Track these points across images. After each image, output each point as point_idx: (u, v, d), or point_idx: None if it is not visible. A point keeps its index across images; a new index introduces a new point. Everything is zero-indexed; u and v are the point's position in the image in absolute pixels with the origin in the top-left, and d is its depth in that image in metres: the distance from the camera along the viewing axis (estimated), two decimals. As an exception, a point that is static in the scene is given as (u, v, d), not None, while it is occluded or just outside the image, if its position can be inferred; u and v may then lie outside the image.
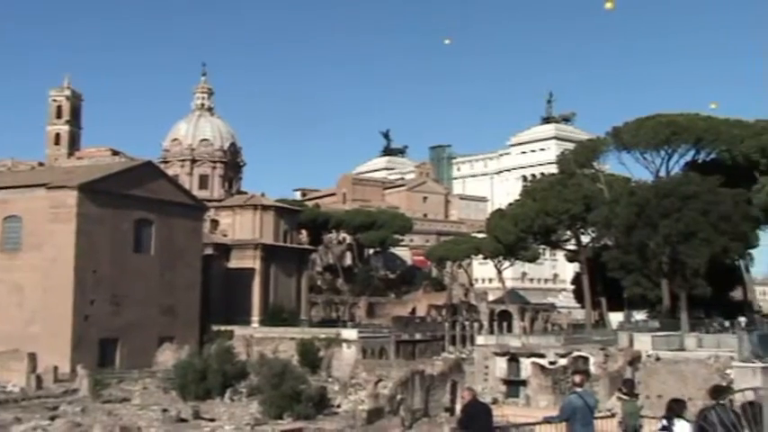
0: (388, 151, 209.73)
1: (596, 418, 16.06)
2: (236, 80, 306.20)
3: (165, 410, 47.16)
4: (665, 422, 12.54)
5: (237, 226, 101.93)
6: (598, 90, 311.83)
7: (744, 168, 73.97)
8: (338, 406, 51.28)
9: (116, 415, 47.10)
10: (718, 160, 77.62)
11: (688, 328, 62.81)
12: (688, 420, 11.78)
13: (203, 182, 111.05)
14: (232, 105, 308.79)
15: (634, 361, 53.67)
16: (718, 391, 11.36)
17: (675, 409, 12.39)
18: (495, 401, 51.82)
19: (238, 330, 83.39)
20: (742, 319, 59.15)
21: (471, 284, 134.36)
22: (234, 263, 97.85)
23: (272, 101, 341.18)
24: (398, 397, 48.40)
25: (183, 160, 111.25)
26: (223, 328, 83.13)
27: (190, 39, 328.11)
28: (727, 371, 44.77)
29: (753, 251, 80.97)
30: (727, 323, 67.02)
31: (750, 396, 10.48)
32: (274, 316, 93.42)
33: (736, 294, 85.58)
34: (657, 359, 52.91)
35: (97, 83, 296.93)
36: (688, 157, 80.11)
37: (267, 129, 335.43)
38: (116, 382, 62.17)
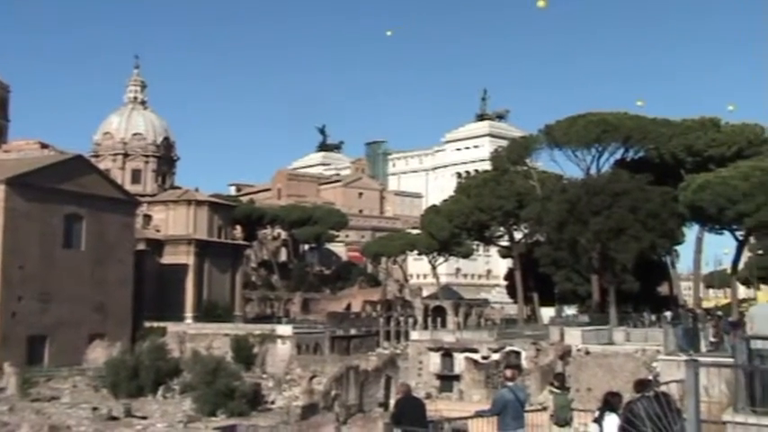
0: (323, 147, 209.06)
1: (527, 411, 16.38)
2: (170, 73, 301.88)
3: (95, 409, 46.54)
4: (597, 414, 12.78)
5: (171, 221, 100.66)
6: (531, 87, 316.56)
7: (671, 166, 75.61)
8: (272, 402, 51.27)
9: (45, 414, 46.27)
10: (647, 158, 79.27)
11: (617, 323, 64.04)
12: (619, 414, 12.00)
13: (136, 176, 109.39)
14: (166, 99, 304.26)
15: (565, 355, 54.53)
16: (643, 384, 11.69)
17: (611, 402, 12.56)
18: (428, 396, 52.28)
19: (171, 327, 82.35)
20: (668, 314, 60.42)
21: (406, 280, 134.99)
22: (167, 258, 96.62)
23: (207, 95, 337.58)
24: (333, 392, 48.61)
25: (115, 154, 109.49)
26: (156, 324, 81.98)
27: (122, 30, 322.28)
28: (654, 364, 45.84)
29: (678, 247, 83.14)
30: (654, 317, 68.53)
31: (673, 387, 10.83)
32: (208, 312, 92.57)
33: (663, 289, 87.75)
34: (587, 353, 53.85)
35: (26, 74, 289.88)
36: (618, 155, 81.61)
37: (201, 123, 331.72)
38: (45, 380, 60.97)
